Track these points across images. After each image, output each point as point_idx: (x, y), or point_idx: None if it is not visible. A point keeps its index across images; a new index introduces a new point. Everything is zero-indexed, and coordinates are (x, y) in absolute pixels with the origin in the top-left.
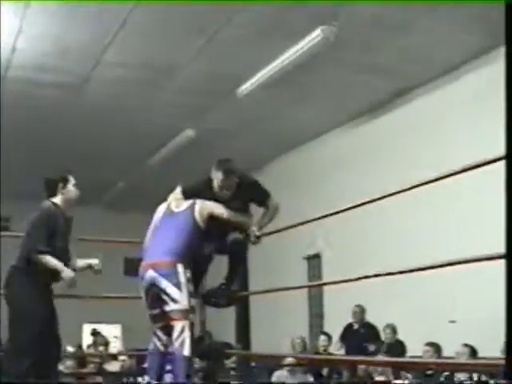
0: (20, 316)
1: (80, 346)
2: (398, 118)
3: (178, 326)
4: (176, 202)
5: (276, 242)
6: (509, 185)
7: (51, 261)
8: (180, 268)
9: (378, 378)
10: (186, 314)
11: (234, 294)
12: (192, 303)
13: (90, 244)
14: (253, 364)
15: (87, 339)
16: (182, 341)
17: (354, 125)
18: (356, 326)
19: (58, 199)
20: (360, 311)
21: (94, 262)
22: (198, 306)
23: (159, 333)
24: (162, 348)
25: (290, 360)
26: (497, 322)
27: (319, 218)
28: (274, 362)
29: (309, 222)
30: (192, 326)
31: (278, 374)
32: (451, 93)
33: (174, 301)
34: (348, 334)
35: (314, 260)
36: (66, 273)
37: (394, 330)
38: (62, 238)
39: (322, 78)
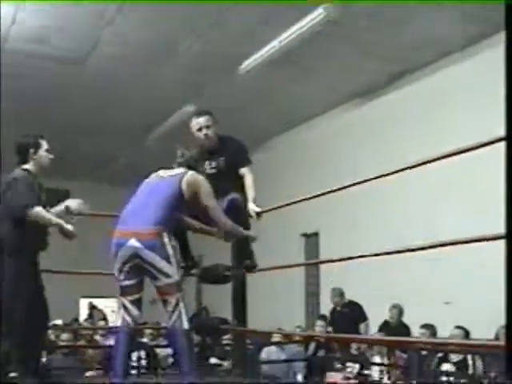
0: (8, 294)
1: (77, 320)
2: (399, 96)
3: (172, 299)
4: (167, 170)
5: (274, 219)
6: (509, 166)
7: (45, 214)
8: (166, 238)
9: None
10: (178, 286)
11: (246, 271)
12: (181, 274)
13: (89, 219)
14: (248, 341)
15: (84, 313)
16: (179, 314)
17: (355, 103)
18: (339, 308)
19: (29, 165)
20: (338, 294)
21: (72, 203)
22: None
23: (130, 306)
24: (132, 324)
25: (278, 337)
26: (491, 304)
27: (315, 196)
28: (268, 339)
29: (305, 199)
30: (184, 296)
31: (268, 349)
32: (446, 78)
33: (166, 275)
34: (335, 317)
35: (312, 238)
36: (63, 223)
37: (400, 311)
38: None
39: (323, 56)
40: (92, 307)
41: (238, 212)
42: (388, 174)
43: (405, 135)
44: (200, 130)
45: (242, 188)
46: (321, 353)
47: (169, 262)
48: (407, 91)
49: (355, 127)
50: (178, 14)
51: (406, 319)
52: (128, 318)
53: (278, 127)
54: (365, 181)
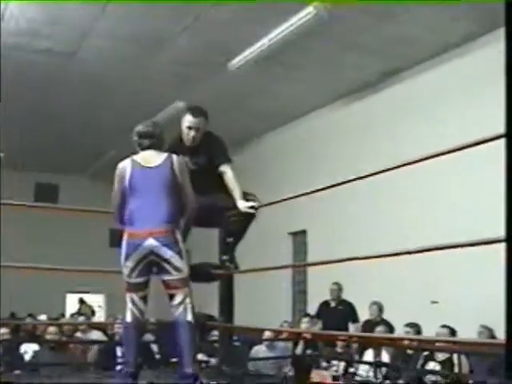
0: None
1: (63, 315)
2: (387, 97)
3: (180, 294)
4: (144, 156)
5: (262, 217)
6: (509, 166)
7: None
8: (178, 235)
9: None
10: (187, 281)
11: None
12: (188, 269)
13: (78, 215)
14: (234, 337)
15: (71, 308)
16: (185, 307)
17: (344, 102)
18: (333, 304)
19: None
20: (337, 289)
21: None
22: None
23: (137, 300)
24: (141, 318)
25: (268, 334)
26: (479, 303)
27: (302, 195)
28: (255, 336)
29: (293, 198)
30: (191, 292)
31: (257, 349)
32: (442, 75)
33: (177, 269)
34: (324, 311)
35: (300, 236)
36: None
37: (380, 307)
38: None
39: (313, 55)
40: (81, 302)
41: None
42: (377, 173)
43: (396, 133)
44: (190, 128)
45: (222, 187)
46: (308, 351)
47: (181, 256)
48: (397, 89)
49: (345, 125)
50: (167, 10)
51: (392, 318)
52: (136, 312)
53: (267, 125)
54: (353, 179)
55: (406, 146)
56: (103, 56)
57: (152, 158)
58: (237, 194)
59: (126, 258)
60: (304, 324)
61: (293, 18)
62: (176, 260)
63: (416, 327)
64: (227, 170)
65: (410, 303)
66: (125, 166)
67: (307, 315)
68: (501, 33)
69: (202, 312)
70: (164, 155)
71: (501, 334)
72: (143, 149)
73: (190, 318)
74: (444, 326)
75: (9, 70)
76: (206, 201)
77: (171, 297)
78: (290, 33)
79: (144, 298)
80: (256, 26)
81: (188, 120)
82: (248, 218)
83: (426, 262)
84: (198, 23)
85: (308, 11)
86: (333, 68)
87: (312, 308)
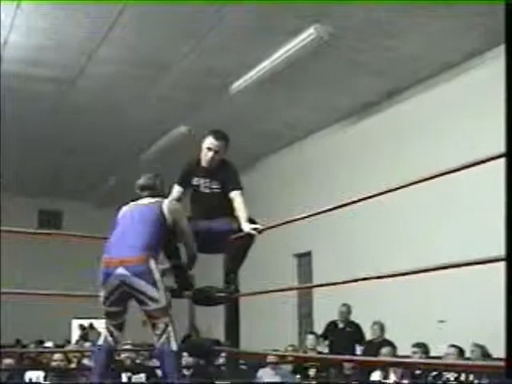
0: None
1: (68, 341)
2: (389, 117)
3: (161, 323)
4: (140, 200)
5: (266, 239)
6: (509, 185)
7: None
8: (153, 264)
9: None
10: (166, 311)
11: (236, 292)
12: (168, 298)
13: (81, 241)
14: (241, 361)
15: (76, 334)
16: (168, 336)
17: (346, 124)
18: (341, 325)
19: None
20: (346, 311)
21: None
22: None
23: (113, 329)
24: (113, 344)
25: (272, 358)
26: (485, 323)
27: (308, 216)
28: (262, 360)
29: (298, 219)
30: (172, 320)
31: (262, 372)
32: (444, 93)
33: (153, 300)
34: (332, 332)
35: (305, 258)
36: None
37: (381, 327)
38: None
39: (315, 76)
40: (90, 327)
41: (244, 253)
42: (381, 194)
43: (400, 152)
44: (209, 149)
45: (229, 213)
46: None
47: (156, 287)
48: (400, 108)
49: (348, 146)
50: (169, 35)
51: (399, 338)
52: (110, 339)
53: (270, 147)
54: (358, 200)
55: (410, 164)
56: (105, 82)
57: (147, 199)
58: (243, 216)
59: (101, 286)
60: (309, 341)
61: (294, 39)
62: (150, 290)
63: (424, 347)
64: (237, 197)
65: (416, 322)
66: (123, 209)
67: (312, 333)
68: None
69: (208, 337)
70: (156, 199)
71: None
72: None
73: (174, 347)
74: (452, 346)
75: (11, 98)
76: (212, 226)
77: (153, 326)
78: (291, 55)
79: (119, 326)
80: (256, 49)
81: (210, 141)
82: (248, 241)
83: (432, 281)
84: (199, 47)
85: (309, 33)
86: (335, 88)
87: (318, 329)
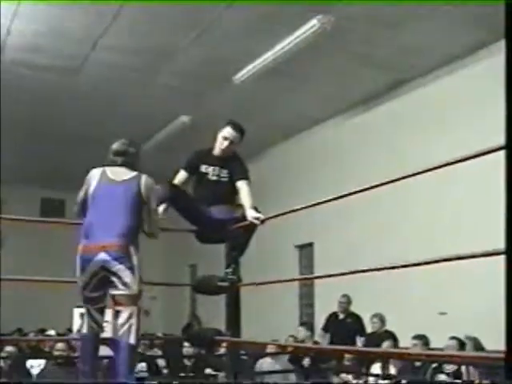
0: None
1: (70, 330)
2: (393, 109)
3: (125, 312)
4: (114, 171)
5: (268, 230)
6: (509, 178)
7: None
8: (132, 249)
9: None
10: (135, 299)
11: (238, 281)
12: (141, 288)
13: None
14: (242, 351)
15: (77, 323)
16: (129, 327)
17: (349, 115)
18: (342, 316)
19: None
20: (346, 301)
21: None
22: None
23: (94, 313)
24: (97, 329)
25: (271, 348)
26: (487, 314)
27: (309, 207)
28: (262, 350)
29: (299, 209)
30: (139, 312)
31: (262, 362)
32: (448, 85)
33: (125, 285)
34: (333, 323)
35: (307, 249)
36: None
37: (381, 319)
38: None
39: (318, 67)
40: (82, 316)
41: (245, 242)
42: (384, 184)
43: (404, 143)
44: (225, 139)
45: (233, 202)
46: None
47: (132, 272)
48: (405, 99)
49: (352, 137)
50: (171, 24)
51: (400, 330)
52: (94, 325)
53: (273, 137)
54: (359, 191)
55: (414, 156)
56: (108, 71)
57: (121, 173)
58: (248, 204)
59: (80, 272)
60: (301, 333)
61: (297, 30)
62: (125, 275)
63: (424, 339)
64: (244, 186)
65: (417, 314)
66: (94, 174)
67: (303, 324)
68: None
69: (210, 326)
70: (133, 173)
71: None
72: (117, 166)
73: (132, 340)
74: (453, 338)
75: (13, 86)
76: (214, 213)
77: (117, 314)
78: (294, 46)
79: (100, 310)
80: (260, 40)
81: (227, 131)
82: (250, 231)
83: (433, 272)
84: (203, 37)
85: (312, 24)
86: (338, 79)
87: (319, 321)
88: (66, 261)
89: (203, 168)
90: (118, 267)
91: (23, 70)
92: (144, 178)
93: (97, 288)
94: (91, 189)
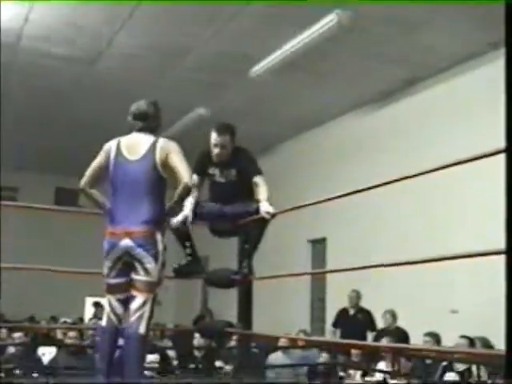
0: None
1: (81, 319)
2: (408, 105)
3: (140, 298)
4: (130, 144)
5: (281, 224)
6: (509, 178)
7: None
8: (158, 236)
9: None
10: (153, 286)
11: (250, 275)
12: (162, 276)
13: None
14: (253, 344)
15: (89, 312)
16: (141, 315)
17: (364, 111)
18: (352, 312)
19: None
20: (356, 296)
21: None
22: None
23: (116, 304)
24: (116, 323)
25: (283, 341)
26: (498, 313)
27: (322, 201)
28: (273, 343)
29: (312, 204)
30: (154, 301)
31: (274, 355)
32: (464, 84)
33: (146, 271)
34: (343, 319)
35: (319, 244)
36: None
37: (393, 315)
38: None
39: (334, 62)
40: (96, 305)
41: (259, 235)
42: (391, 182)
43: (418, 140)
44: (215, 146)
45: (247, 198)
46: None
47: (156, 259)
48: (419, 97)
49: (366, 133)
50: (190, 18)
51: (412, 327)
52: (113, 317)
53: (288, 132)
54: (373, 187)
55: (427, 152)
56: (124, 63)
57: (137, 146)
58: (262, 196)
59: (106, 257)
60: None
61: (314, 25)
62: (148, 261)
63: (436, 336)
64: (260, 181)
65: (429, 311)
66: (110, 148)
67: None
68: None
69: (221, 319)
70: (149, 142)
71: None
72: (136, 131)
73: (142, 329)
74: (463, 337)
75: (29, 74)
76: (228, 210)
77: (131, 298)
78: (311, 40)
79: (123, 302)
80: (277, 34)
81: (213, 138)
82: (262, 224)
83: (445, 270)
84: (220, 31)
85: (330, 19)
86: (355, 75)
87: (331, 315)
88: (81, 251)
89: (211, 170)
90: (142, 254)
91: (39, 59)
92: (160, 145)
93: (119, 274)
94: (110, 167)
